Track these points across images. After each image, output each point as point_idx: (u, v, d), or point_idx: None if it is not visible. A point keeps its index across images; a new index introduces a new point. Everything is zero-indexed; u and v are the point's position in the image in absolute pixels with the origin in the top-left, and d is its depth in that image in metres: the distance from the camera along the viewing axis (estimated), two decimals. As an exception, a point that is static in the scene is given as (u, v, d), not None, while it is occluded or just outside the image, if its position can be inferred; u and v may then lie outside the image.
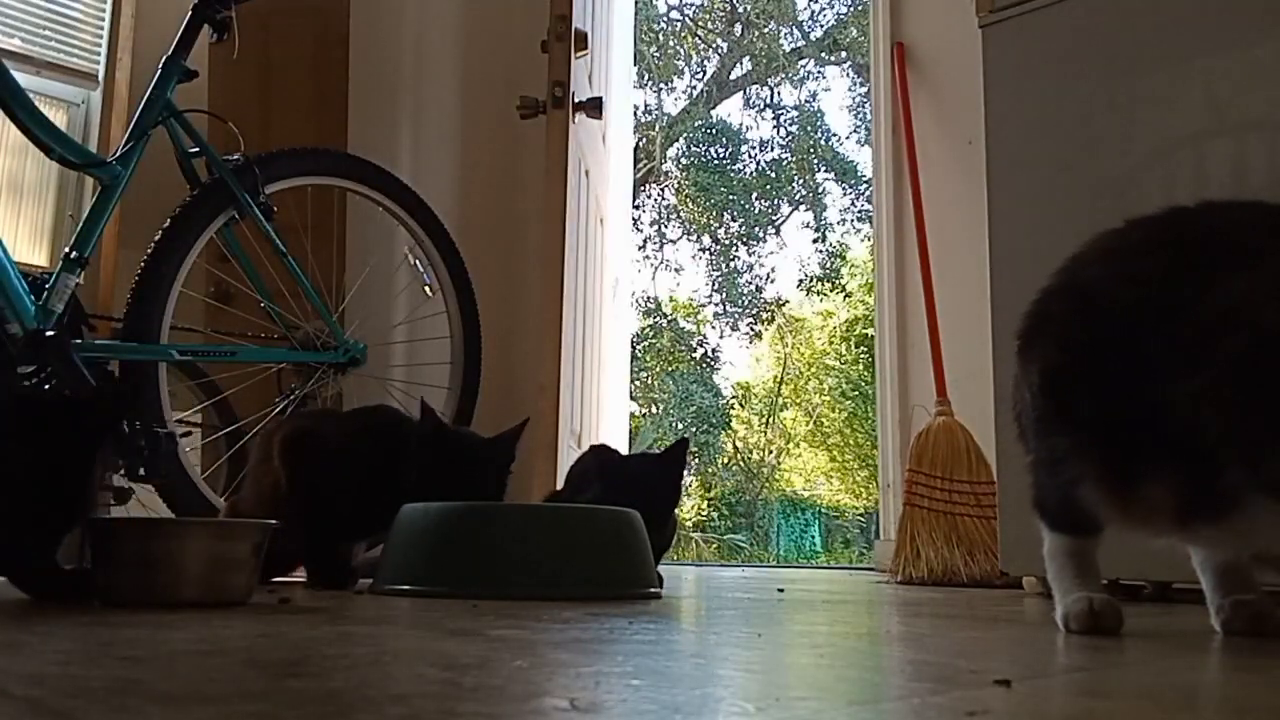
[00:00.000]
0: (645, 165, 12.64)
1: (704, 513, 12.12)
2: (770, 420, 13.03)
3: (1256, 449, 0.93)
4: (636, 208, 12.49)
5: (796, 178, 13.28)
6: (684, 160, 13.63)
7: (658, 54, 13.23)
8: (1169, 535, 1.10)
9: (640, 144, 12.35)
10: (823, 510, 12.49)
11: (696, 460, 12.24)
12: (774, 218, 13.43)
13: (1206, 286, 0.99)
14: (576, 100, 2.86)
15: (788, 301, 13.26)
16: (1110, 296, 1.08)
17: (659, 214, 13.65)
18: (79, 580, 1.23)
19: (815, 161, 13.13)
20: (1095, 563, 1.13)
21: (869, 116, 6.62)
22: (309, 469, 1.71)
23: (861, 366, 11.77)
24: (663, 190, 13.59)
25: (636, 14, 5.47)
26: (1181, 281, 1.02)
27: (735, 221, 13.47)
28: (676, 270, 13.63)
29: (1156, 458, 1.01)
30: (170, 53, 2.38)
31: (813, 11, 13.44)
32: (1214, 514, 0.99)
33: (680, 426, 12.21)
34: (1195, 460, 0.97)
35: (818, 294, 12.95)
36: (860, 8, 12.05)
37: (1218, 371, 0.95)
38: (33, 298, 2.13)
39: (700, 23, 13.89)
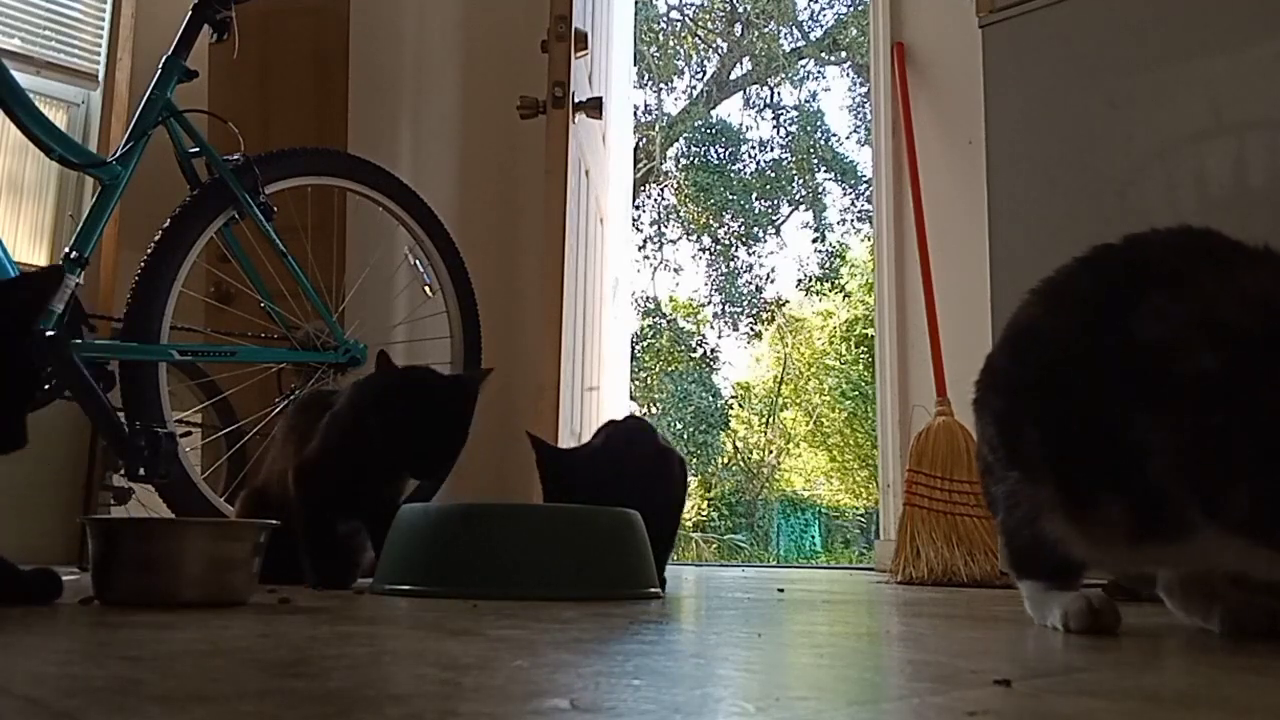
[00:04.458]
0: (645, 165, 12.64)
1: (704, 513, 12.12)
2: (770, 420, 13.03)
3: (1214, 488, 0.94)
4: (636, 208, 12.49)
5: (796, 178, 13.28)
6: (684, 160, 13.63)
7: (658, 54, 13.24)
8: (1127, 557, 1.10)
9: (640, 144, 12.36)
10: (823, 510, 12.50)
11: (696, 460, 12.25)
12: (774, 218, 13.43)
13: (1130, 312, 1.03)
14: (576, 100, 2.86)
15: (787, 301, 13.26)
16: (1042, 330, 1.14)
17: (659, 214, 13.66)
18: (43, 580, 1.21)
19: (815, 161, 13.13)
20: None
21: (869, 116, 6.63)
22: (310, 434, 1.72)
23: (861, 366, 11.78)
24: (663, 190, 13.59)
25: (636, 14, 5.47)
26: (1105, 308, 1.07)
27: (735, 221, 13.47)
28: (676, 270, 13.65)
29: (1107, 479, 1.03)
30: (170, 53, 2.38)
31: (813, 11, 13.46)
32: (1168, 537, 1.00)
33: (680, 426, 12.21)
34: (1145, 484, 0.99)
35: (817, 294, 12.96)
36: (860, 8, 12.05)
37: (1167, 410, 0.97)
38: (33, 298, 2.12)
39: (700, 23, 13.90)
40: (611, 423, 1.76)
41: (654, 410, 12.43)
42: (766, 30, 13.41)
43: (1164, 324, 0.99)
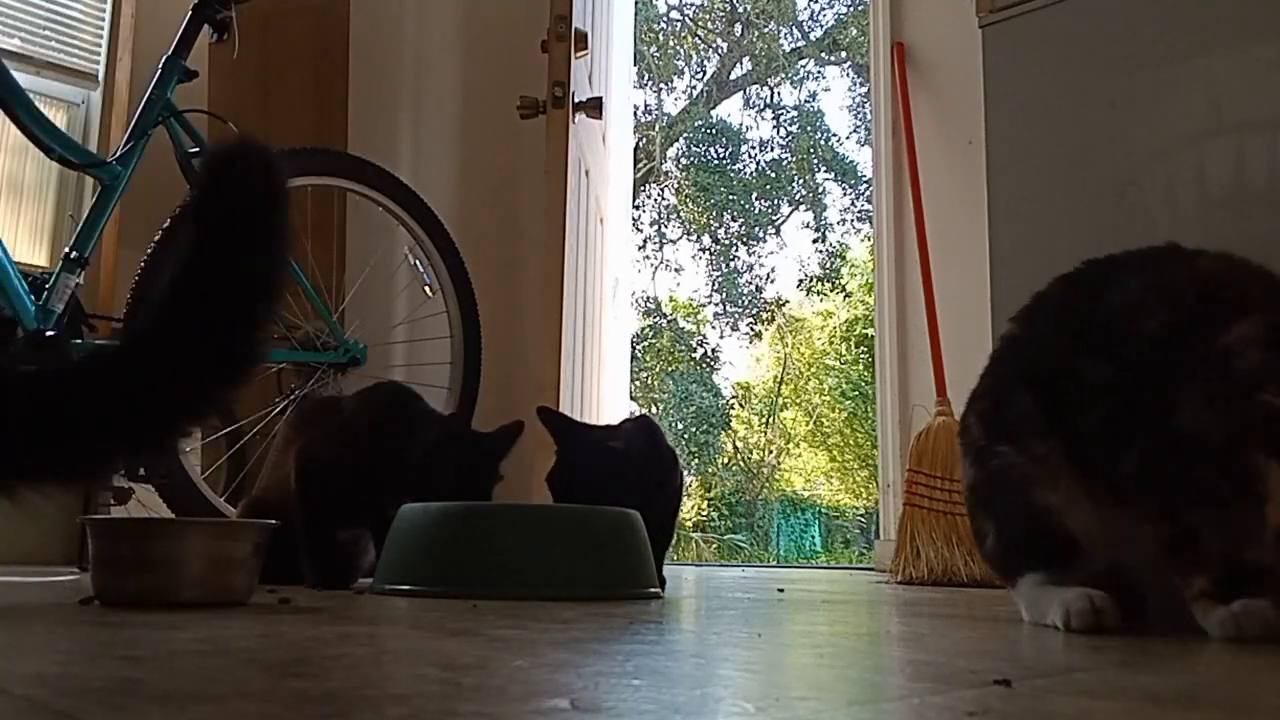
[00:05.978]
0: (645, 165, 12.64)
1: (704, 513, 12.12)
2: (770, 420, 13.03)
3: (1119, 447, 1.08)
4: (636, 208, 12.49)
5: (796, 178, 13.28)
6: (684, 160, 13.63)
7: (658, 54, 13.23)
8: (1120, 515, 1.11)
9: (640, 144, 12.35)
10: (823, 510, 12.49)
11: (696, 460, 12.25)
12: (774, 218, 13.43)
13: (1103, 291, 1.16)
14: (576, 100, 2.86)
15: (788, 301, 13.26)
16: (1021, 337, 1.25)
17: (659, 214, 13.66)
18: None
19: (815, 161, 13.13)
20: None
21: (869, 116, 6.62)
22: (312, 440, 1.72)
23: (861, 366, 11.77)
24: (663, 190, 13.59)
25: (636, 14, 5.47)
26: (1081, 297, 1.20)
27: (735, 221, 13.47)
28: (676, 270, 13.65)
29: (1086, 436, 1.12)
30: (170, 53, 2.38)
31: (813, 11, 13.46)
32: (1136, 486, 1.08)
33: (680, 426, 12.20)
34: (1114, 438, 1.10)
35: (818, 294, 12.95)
36: (860, 8, 12.05)
37: (1121, 369, 1.09)
38: (33, 298, 2.13)
39: (700, 23, 13.89)
40: (627, 420, 1.79)
41: (654, 410, 12.43)
42: (766, 30, 13.41)
43: (1126, 291, 1.13)
